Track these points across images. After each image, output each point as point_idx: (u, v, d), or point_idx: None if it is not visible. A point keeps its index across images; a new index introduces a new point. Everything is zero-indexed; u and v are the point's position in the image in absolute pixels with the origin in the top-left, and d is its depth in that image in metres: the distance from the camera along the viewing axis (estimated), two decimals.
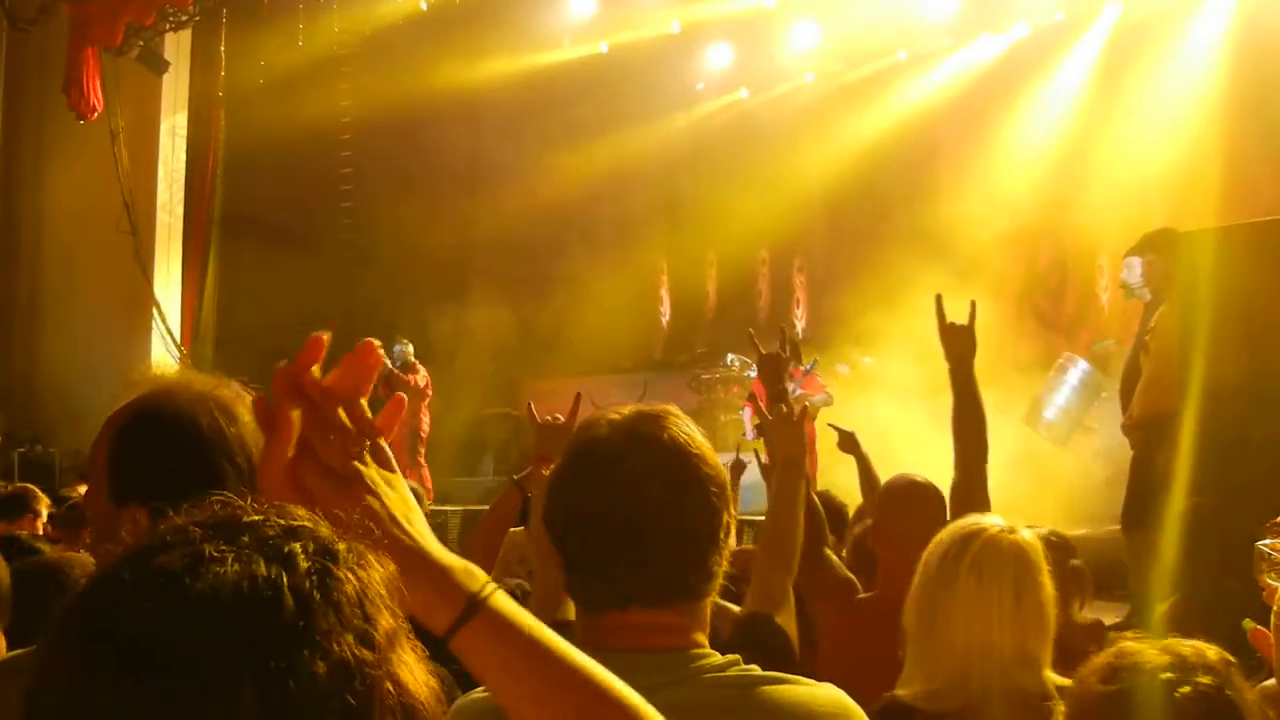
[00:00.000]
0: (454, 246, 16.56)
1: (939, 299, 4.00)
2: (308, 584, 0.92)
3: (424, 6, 14.60)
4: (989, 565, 2.53)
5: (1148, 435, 6.64)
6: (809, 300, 15.33)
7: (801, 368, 11.87)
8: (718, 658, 1.79)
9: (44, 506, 6.99)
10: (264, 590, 0.90)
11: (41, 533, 6.64)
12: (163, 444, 1.87)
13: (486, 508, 12.55)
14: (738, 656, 1.80)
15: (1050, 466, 9.50)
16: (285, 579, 0.91)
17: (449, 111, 15.83)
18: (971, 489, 3.71)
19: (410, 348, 14.18)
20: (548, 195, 15.61)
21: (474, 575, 1.16)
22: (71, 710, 0.89)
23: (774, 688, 1.74)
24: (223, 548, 0.92)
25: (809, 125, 14.29)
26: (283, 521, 0.97)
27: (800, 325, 14.93)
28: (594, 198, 14.91)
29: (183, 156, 16.18)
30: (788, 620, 2.77)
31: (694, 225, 16.01)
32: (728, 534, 1.84)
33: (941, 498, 3.95)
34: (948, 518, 3.52)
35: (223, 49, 15.46)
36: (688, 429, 1.85)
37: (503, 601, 1.16)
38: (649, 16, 15.14)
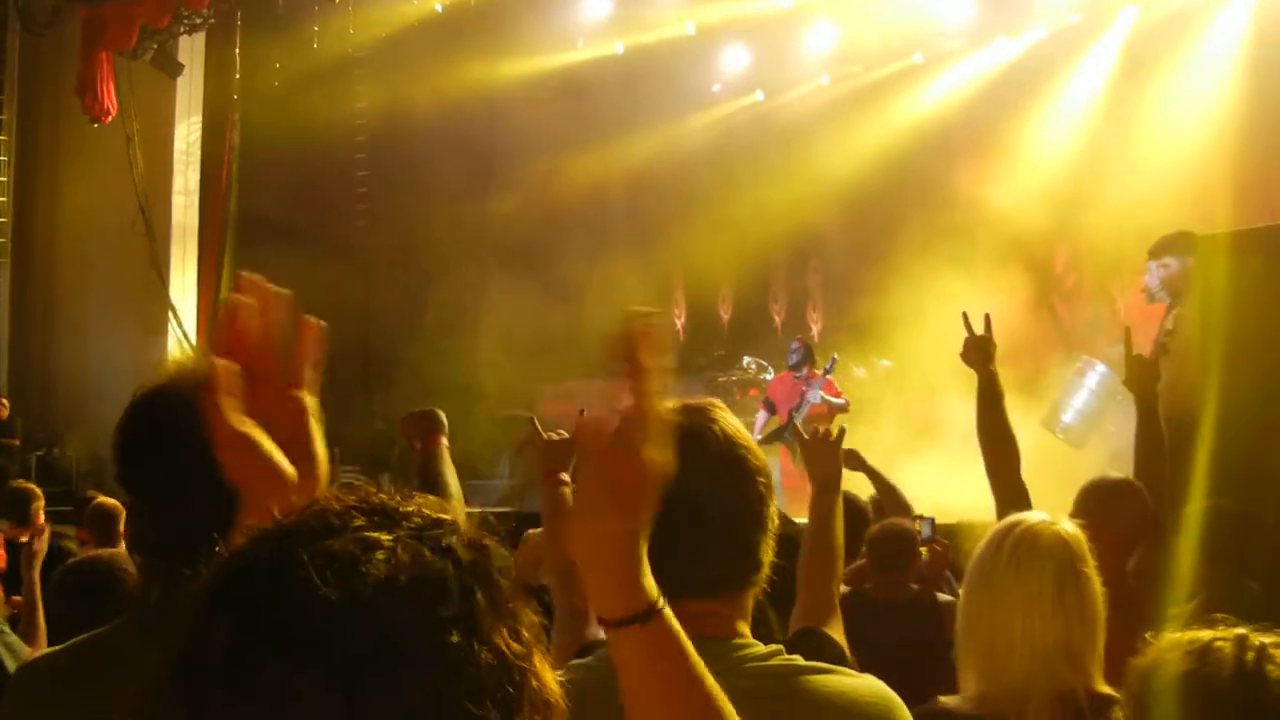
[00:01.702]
0: (469, 248, 16.55)
1: (965, 315, 4.09)
2: (469, 576, 0.95)
3: (439, 9, 14.61)
4: (1026, 556, 2.48)
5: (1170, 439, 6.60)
6: (825, 303, 15.28)
7: (818, 370, 11.84)
8: (760, 647, 1.81)
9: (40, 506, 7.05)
10: (435, 580, 0.93)
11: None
12: (156, 436, 1.86)
13: (504, 510, 12.54)
14: (780, 647, 1.82)
15: (1066, 470, 9.44)
16: (450, 570, 0.95)
17: (464, 114, 15.82)
18: (1009, 497, 3.71)
19: None
20: (563, 197, 15.61)
21: (652, 583, 1.24)
22: (238, 685, 0.88)
23: (816, 677, 1.76)
24: (386, 536, 0.94)
25: (825, 128, 14.26)
26: (429, 512, 1.00)
27: (816, 328, 14.89)
28: (609, 200, 14.91)
29: (198, 159, 16.22)
30: (836, 631, 2.81)
31: (710, 227, 15.97)
32: (772, 523, 1.88)
33: (1145, 496, 3.94)
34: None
35: (237, 51, 15.49)
36: (735, 421, 1.91)
37: (672, 617, 1.24)
38: (665, 18, 15.12)
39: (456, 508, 2.75)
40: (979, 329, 4.10)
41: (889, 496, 5.85)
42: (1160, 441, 4.07)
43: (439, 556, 0.94)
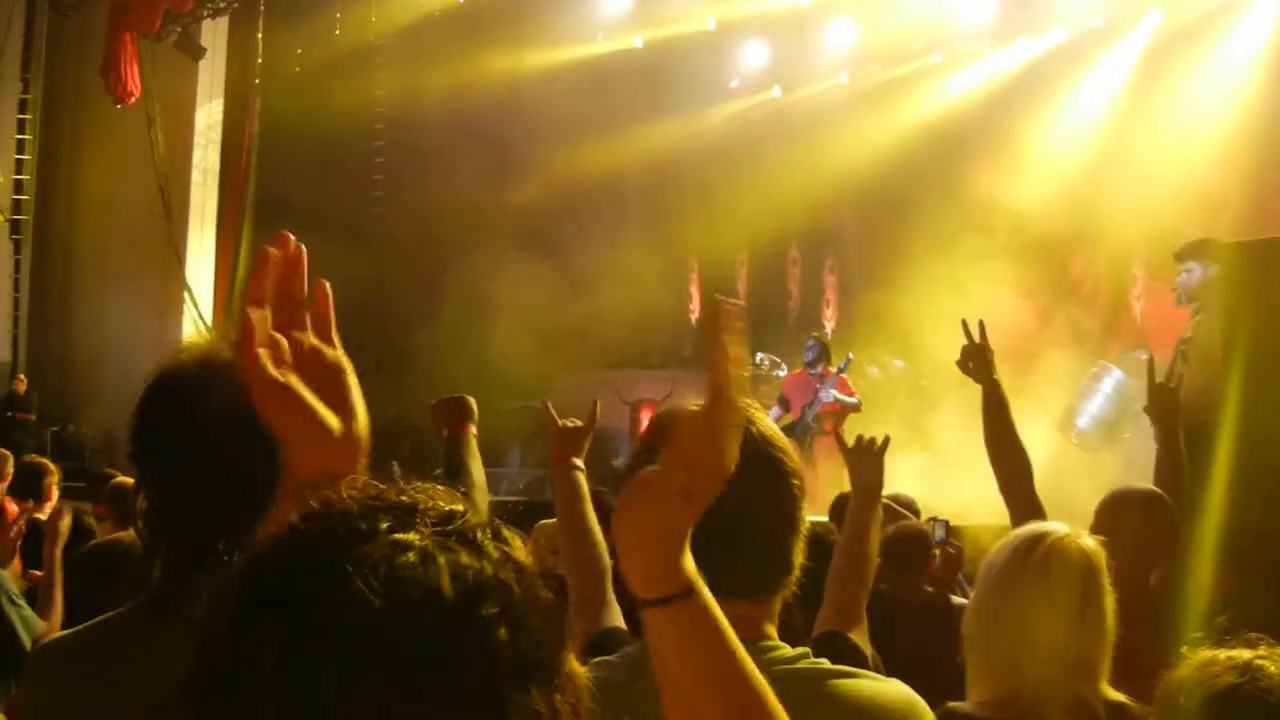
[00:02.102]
0: (485, 237, 16.56)
1: (965, 323, 3.99)
2: (503, 569, 0.96)
3: None
4: (1056, 570, 2.47)
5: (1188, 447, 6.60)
6: (839, 300, 15.28)
7: (833, 368, 11.84)
8: (788, 650, 1.80)
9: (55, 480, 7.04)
10: (476, 579, 0.93)
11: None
12: (165, 419, 1.86)
13: (514, 499, 12.54)
14: (808, 650, 1.82)
15: (1081, 476, 9.43)
16: (487, 566, 0.95)
17: (482, 103, 15.84)
18: (1025, 512, 3.66)
19: None
20: (580, 188, 15.61)
21: (691, 562, 1.24)
22: (291, 698, 0.88)
23: (844, 681, 1.75)
24: (415, 537, 0.94)
25: (842, 125, 14.23)
26: (443, 504, 0.99)
27: (830, 326, 14.88)
28: (625, 191, 14.92)
29: (218, 142, 16.27)
30: (861, 638, 2.83)
31: (725, 223, 15.97)
32: (804, 525, 1.88)
33: (1171, 509, 3.88)
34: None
35: (260, 36, 15.53)
36: (770, 421, 1.89)
37: (710, 597, 1.24)
38: (684, 12, 15.11)
39: (479, 498, 2.76)
40: (985, 337, 3.97)
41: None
42: (1181, 469, 4.00)
43: (473, 554, 0.95)
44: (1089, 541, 2.54)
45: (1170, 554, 2.68)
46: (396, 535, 0.93)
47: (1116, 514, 3.84)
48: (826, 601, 2.92)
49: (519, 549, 0.99)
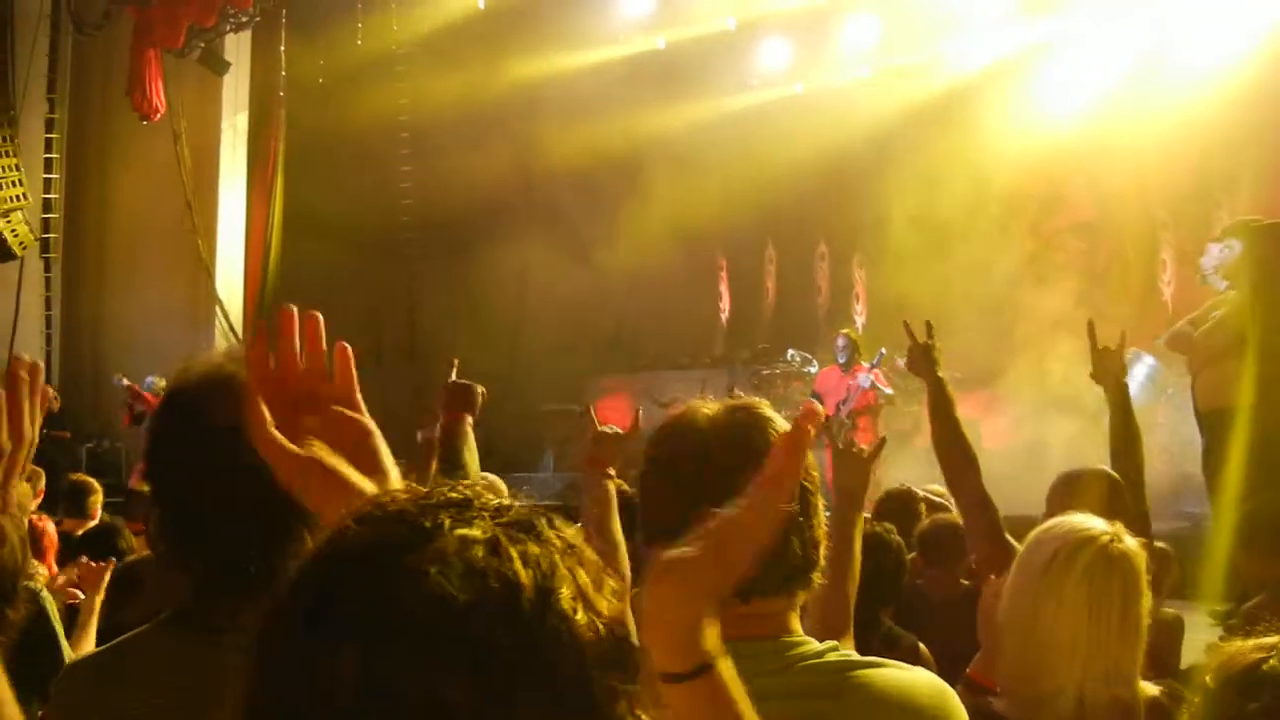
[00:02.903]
0: (512, 242, 16.61)
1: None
2: (568, 556, 0.96)
3: (481, 6, 14.66)
4: (1101, 576, 2.45)
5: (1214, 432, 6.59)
6: (869, 295, 15.24)
7: (865, 363, 11.80)
8: (815, 644, 1.81)
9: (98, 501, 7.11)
10: (549, 568, 0.93)
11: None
12: (172, 434, 1.88)
13: (549, 503, 12.61)
14: (835, 643, 1.83)
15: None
16: (555, 556, 0.95)
17: (506, 108, 15.88)
18: (973, 510, 3.68)
19: (163, 383, 12.92)
20: (606, 190, 15.64)
21: (710, 634, 1.21)
22: (378, 705, 0.88)
23: (871, 671, 1.75)
24: (479, 532, 0.93)
25: (864, 119, 14.18)
26: (490, 497, 0.99)
27: (860, 320, 14.84)
28: (652, 194, 14.89)
29: (244, 155, 16.36)
30: (848, 645, 2.77)
31: (753, 220, 15.96)
32: (821, 517, 1.89)
33: (1123, 489, 3.90)
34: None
35: (283, 49, 15.61)
36: (783, 422, 1.89)
37: (729, 670, 1.22)
38: (705, 13, 15.11)
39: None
40: (931, 336, 4.04)
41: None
42: (1136, 435, 4.00)
43: (538, 542, 0.95)
44: (1131, 543, 2.53)
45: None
46: (460, 530, 0.93)
47: (1067, 496, 3.82)
48: (811, 613, 2.91)
49: (577, 536, 0.99)
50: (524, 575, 0.91)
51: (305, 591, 0.93)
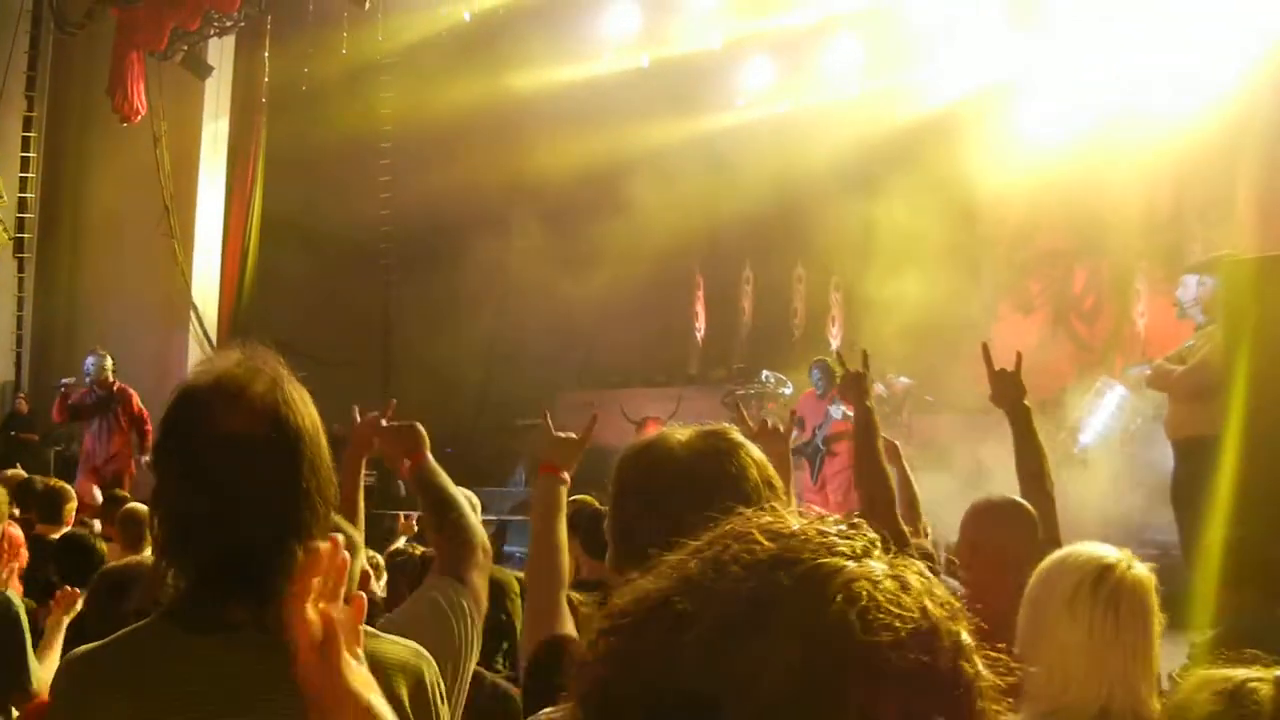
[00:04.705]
0: (491, 256, 16.61)
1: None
2: (938, 589, 0.99)
3: (467, 18, 14.65)
4: (1125, 604, 2.55)
5: (1188, 460, 6.64)
6: (845, 319, 15.27)
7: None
8: None
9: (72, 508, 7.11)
10: (949, 615, 0.97)
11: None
12: (177, 437, 1.90)
13: (520, 519, 12.49)
14: None
15: (1083, 490, 9.44)
16: (936, 589, 0.98)
17: (488, 122, 15.88)
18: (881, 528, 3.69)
19: (109, 361, 12.60)
20: (587, 207, 15.63)
21: None
22: (809, 710, 0.91)
23: None
24: (883, 568, 0.97)
25: (847, 143, 14.22)
26: (857, 532, 1.02)
27: (835, 344, 14.86)
28: (632, 210, 14.90)
29: (224, 161, 16.30)
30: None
31: (731, 240, 15.99)
32: None
33: (1033, 519, 3.90)
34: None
35: (266, 55, 15.56)
36: (755, 449, 1.98)
37: None
38: (690, 31, 15.14)
39: (473, 518, 2.77)
40: (866, 365, 4.16)
41: (908, 505, 5.77)
42: (1042, 460, 4.03)
43: (920, 577, 0.98)
44: (1142, 570, 2.59)
45: (1034, 562, 2.72)
46: (873, 561, 0.97)
47: (980, 526, 3.85)
48: None
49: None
50: (936, 613, 0.95)
51: (718, 604, 0.96)
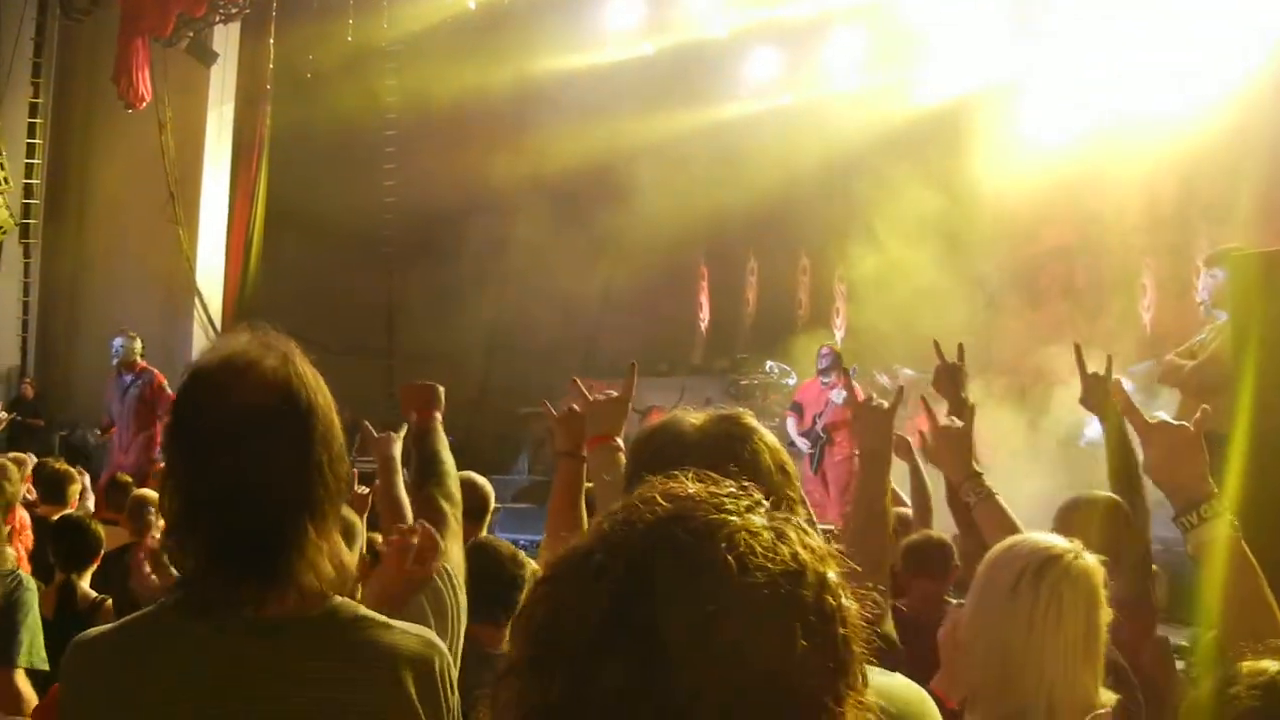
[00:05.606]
0: (495, 244, 16.59)
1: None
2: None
3: (472, 6, 14.63)
4: (1069, 596, 2.45)
5: None
6: (849, 310, 15.24)
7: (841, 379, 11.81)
8: None
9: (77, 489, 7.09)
10: (820, 558, 1.14)
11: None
12: (187, 418, 1.92)
13: (523, 506, 12.47)
14: None
15: (1089, 485, 9.42)
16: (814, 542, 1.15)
17: (494, 110, 15.86)
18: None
19: (138, 343, 12.31)
20: (591, 196, 15.60)
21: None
22: (709, 650, 1.05)
23: None
24: (762, 521, 1.14)
25: (852, 135, 14.18)
26: (747, 497, 1.18)
27: (839, 335, 14.84)
28: (636, 199, 14.87)
29: (229, 147, 16.29)
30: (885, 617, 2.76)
31: (736, 230, 15.96)
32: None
33: (1127, 514, 3.88)
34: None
35: (271, 42, 15.54)
36: (769, 434, 1.99)
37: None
38: (695, 21, 15.11)
39: (452, 484, 2.78)
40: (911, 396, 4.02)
41: (919, 495, 5.67)
42: (1134, 464, 3.97)
43: (798, 530, 1.14)
44: (1090, 560, 2.52)
45: (1127, 559, 2.65)
46: (752, 516, 1.13)
47: (1073, 521, 3.80)
48: None
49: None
50: (804, 556, 1.11)
51: (625, 554, 1.11)
